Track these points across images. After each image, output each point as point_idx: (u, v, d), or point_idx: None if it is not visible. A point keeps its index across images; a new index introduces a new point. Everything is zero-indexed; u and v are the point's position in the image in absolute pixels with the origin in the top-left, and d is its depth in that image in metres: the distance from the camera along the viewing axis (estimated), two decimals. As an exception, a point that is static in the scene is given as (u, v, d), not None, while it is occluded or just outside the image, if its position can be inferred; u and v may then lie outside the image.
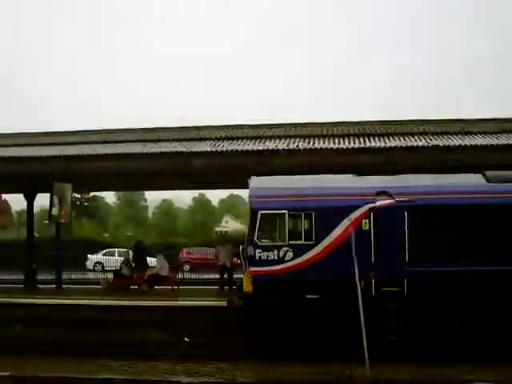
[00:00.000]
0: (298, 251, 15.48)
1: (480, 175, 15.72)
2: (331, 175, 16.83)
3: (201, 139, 23.08)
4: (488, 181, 15.45)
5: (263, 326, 15.62)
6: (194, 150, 21.41)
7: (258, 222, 15.84)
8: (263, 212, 15.87)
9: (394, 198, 15.09)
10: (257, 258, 15.68)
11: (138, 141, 23.61)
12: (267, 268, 15.59)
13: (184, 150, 21.41)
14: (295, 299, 15.40)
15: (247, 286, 15.98)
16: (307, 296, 15.51)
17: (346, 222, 14.75)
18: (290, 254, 15.52)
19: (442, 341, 13.88)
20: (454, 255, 14.43)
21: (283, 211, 15.71)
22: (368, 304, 13.77)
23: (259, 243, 15.77)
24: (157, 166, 20.95)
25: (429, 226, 14.73)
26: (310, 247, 15.42)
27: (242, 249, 16.69)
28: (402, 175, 16.22)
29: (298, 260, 15.44)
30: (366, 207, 15.09)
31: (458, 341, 13.97)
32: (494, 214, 14.49)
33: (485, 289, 14.08)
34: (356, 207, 15.14)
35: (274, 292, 15.53)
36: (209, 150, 21.28)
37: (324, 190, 15.88)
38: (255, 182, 16.51)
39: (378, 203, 15.15)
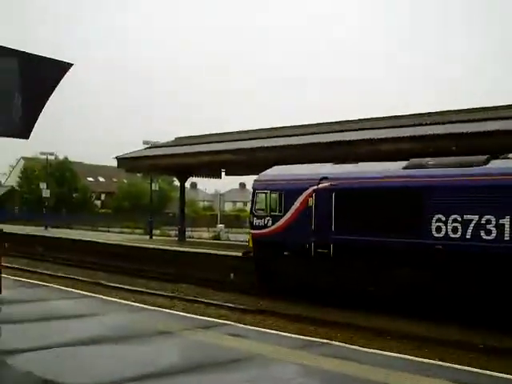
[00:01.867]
0: (275, 220, 20.44)
1: (405, 162, 18.39)
2: (305, 164, 21.31)
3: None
4: (405, 167, 18.07)
5: (261, 270, 21.21)
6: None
7: (254, 198, 21.78)
8: (257, 191, 21.61)
9: (328, 183, 19.13)
10: (254, 223, 21.29)
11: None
12: (259, 231, 20.97)
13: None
14: (275, 254, 20.37)
15: (250, 243, 21.79)
16: (284, 253, 20.09)
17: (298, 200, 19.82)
18: (270, 222, 20.58)
19: (358, 291, 18.19)
20: (364, 228, 18.07)
21: (266, 191, 20.96)
22: (310, 260, 19.20)
23: (255, 213, 21.42)
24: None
25: (346, 205, 18.65)
26: (281, 217, 20.26)
27: (249, 217, 23.09)
28: (349, 163, 20.03)
29: (274, 226, 20.43)
30: (311, 189, 19.42)
31: (370, 292, 17.93)
32: (394, 196, 17.64)
33: (386, 254, 17.53)
34: (306, 189, 19.56)
35: (263, 248, 20.86)
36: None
37: (290, 176, 20.70)
38: (269, 170, 22.04)
39: (318, 186, 19.29)
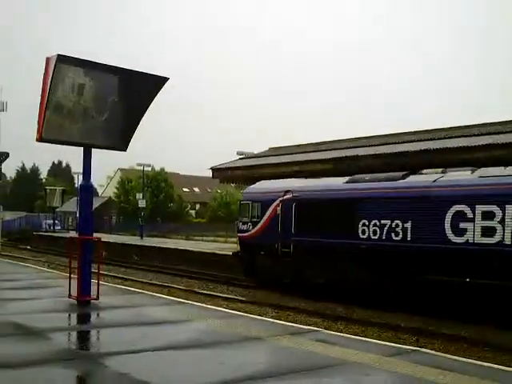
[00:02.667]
0: (254, 225, 24.69)
1: (348, 178, 22.21)
2: (280, 179, 26.32)
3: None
4: (346, 182, 21.95)
5: (246, 266, 25.50)
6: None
7: (240, 207, 26.69)
8: (242, 201, 26.48)
9: (291, 195, 23.21)
10: (240, 228, 25.79)
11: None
12: (243, 234, 25.44)
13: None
14: (255, 253, 24.62)
15: (238, 245, 26.60)
16: (261, 252, 24.32)
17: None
18: (251, 227, 24.84)
19: (313, 283, 21.92)
20: (316, 231, 21.87)
21: (249, 201, 25.37)
22: (278, 257, 23.22)
23: (241, 220, 25.79)
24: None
25: (303, 213, 22.58)
26: (258, 223, 24.47)
27: (236, 223, 28.23)
28: (309, 178, 24.76)
29: (254, 230, 24.70)
30: (279, 200, 23.60)
31: (324, 285, 21.51)
32: (337, 205, 21.36)
33: (332, 252, 21.25)
34: (275, 200, 23.74)
35: (247, 248, 25.29)
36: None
37: (266, 189, 25.08)
38: (255, 184, 27.12)
39: (284, 197, 23.43)
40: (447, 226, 17.84)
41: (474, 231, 17.23)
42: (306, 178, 25.06)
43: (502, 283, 16.54)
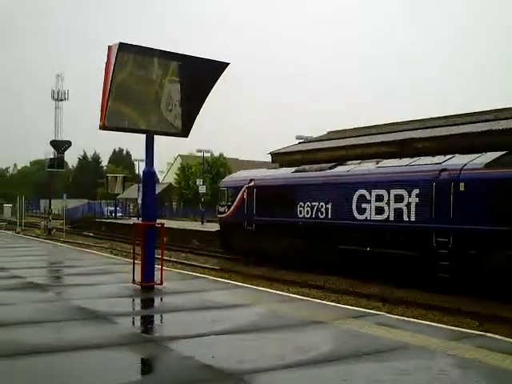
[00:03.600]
0: (229, 208, 30.01)
1: (294, 168, 27.96)
2: (249, 170, 33.60)
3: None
4: (294, 171, 27.37)
5: (222, 240, 31.48)
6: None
7: (220, 193, 32.02)
8: (221, 188, 32.11)
9: (253, 183, 28.45)
10: (219, 210, 31.40)
11: None
12: (221, 215, 31.10)
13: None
14: (229, 230, 30.41)
15: (219, 225, 32.33)
16: (235, 230, 29.44)
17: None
18: (227, 209, 30.25)
19: (270, 253, 27.09)
20: (271, 212, 26.98)
21: (225, 188, 31.22)
22: (245, 233, 28.49)
23: (220, 203, 31.41)
24: None
25: (262, 197, 27.67)
26: (231, 206, 29.79)
27: (216, 206, 33.99)
28: (272, 169, 31.64)
29: (228, 212, 30.09)
30: (245, 187, 28.82)
31: (277, 253, 26.60)
32: (285, 191, 26.48)
33: (282, 229, 26.33)
34: (243, 186, 28.96)
35: (223, 226, 31.40)
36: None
37: (239, 177, 30.90)
38: (234, 174, 34.89)
39: (248, 184, 28.69)
40: (354, 206, 22.65)
41: (370, 210, 21.95)
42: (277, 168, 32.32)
43: (391, 252, 21.06)
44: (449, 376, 6.90)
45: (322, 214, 24.15)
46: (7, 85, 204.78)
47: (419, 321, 11.26)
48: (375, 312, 11.90)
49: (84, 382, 6.67)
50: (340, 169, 24.68)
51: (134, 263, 14.13)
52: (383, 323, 9.93)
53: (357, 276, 21.70)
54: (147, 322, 10.50)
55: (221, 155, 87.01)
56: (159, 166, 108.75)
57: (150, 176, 13.77)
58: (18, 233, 43.99)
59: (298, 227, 25.41)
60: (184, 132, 13.94)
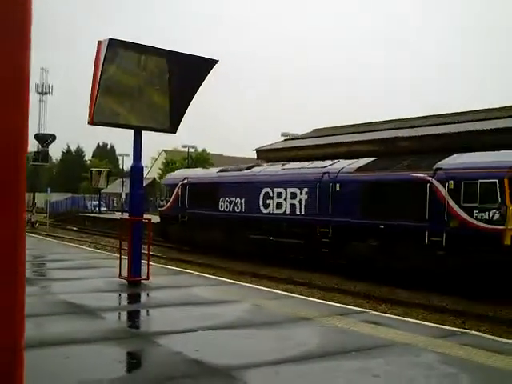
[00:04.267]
0: (167, 202, 33.91)
1: (219, 168, 33.13)
2: (184, 169, 39.63)
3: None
4: (218, 171, 31.62)
5: (161, 231, 33.86)
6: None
7: (160, 190, 37.81)
8: (162, 184, 37.51)
9: (186, 180, 32.34)
10: (160, 204, 35.95)
11: None
12: (161, 209, 35.09)
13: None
14: (167, 222, 33.81)
15: (159, 217, 34.72)
16: (172, 222, 33.12)
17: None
18: (165, 203, 34.17)
19: (201, 242, 30.60)
20: (201, 206, 30.48)
21: (164, 185, 35.77)
22: (179, 224, 32.31)
23: (160, 198, 36.35)
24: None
25: (193, 193, 31.54)
26: (169, 201, 33.64)
27: (157, 201, 40.46)
28: (202, 169, 37.55)
29: (167, 206, 34.00)
30: (180, 184, 32.61)
31: (207, 242, 30.07)
32: (210, 188, 30.12)
33: (208, 220, 30.11)
34: (178, 184, 32.79)
35: (162, 219, 34.52)
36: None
37: (175, 176, 35.40)
38: (173, 173, 39.84)
39: (182, 182, 32.48)
40: (261, 202, 26.59)
41: (273, 205, 26.00)
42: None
43: (288, 241, 24.76)
44: (436, 372, 7.00)
45: (237, 208, 28.36)
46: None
47: (404, 318, 11.36)
48: (361, 309, 12.01)
49: (70, 377, 6.66)
50: (254, 170, 29.01)
51: (120, 258, 14.15)
52: (368, 320, 10.03)
53: (265, 261, 25.28)
54: (135, 317, 10.55)
55: (203, 151, 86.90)
56: (144, 160, 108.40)
57: (137, 171, 13.79)
58: None
59: (220, 219, 29.45)
60: (172, 128, 13.96)
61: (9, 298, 1.77)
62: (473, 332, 9.79)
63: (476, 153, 20.01)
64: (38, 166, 57.65)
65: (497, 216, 17.59)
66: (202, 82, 13.72)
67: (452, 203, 18.68)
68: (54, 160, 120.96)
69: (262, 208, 26.49)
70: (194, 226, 31.25)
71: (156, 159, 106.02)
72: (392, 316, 11.63)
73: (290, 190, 24.98)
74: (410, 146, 27.53)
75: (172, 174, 38.39)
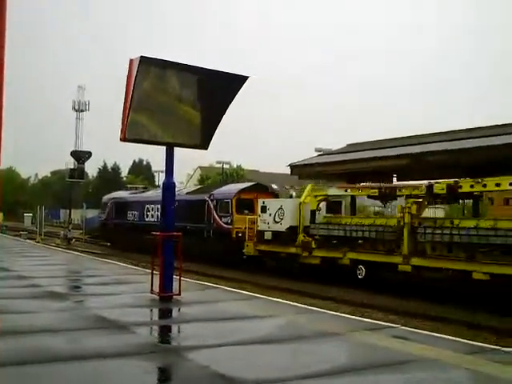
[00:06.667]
0: (103, 214, 49.73)
1: (135, 190, 54.00)
2: (116, 192, 55.11)
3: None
4: (130, 193, 50.38)
5: (103, 235, 50.55)
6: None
7: (101, 205, 53.04)
8: (102, 201, 51.82)
9: (115, 200, 48.69)
10: (99, 216, 52.79)
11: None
12: (100, 219, 51.84)
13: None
14: (105, 228, 49.47)
15: (99, 225, 53.12)
16: (107, 228, 49.30)
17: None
18: (103, 215, 50.00)
19: (125, 245, 42.60)
20: (122, 217, 45.17)
21: (103, 202, 51.13)
22: (110, 229, 48.74)
23: (101, 211, 52.34)
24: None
25: (117, 208, 47.48)
26: (105, 213, 49.34)
27: (98, 213, 55.92)
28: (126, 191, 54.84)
29: (104, 217, 49.75)
30: (110, 202, 48.91)
31: (131, 244, 41.44)
32: (129, 204, 45.73)
33: (129, 227, 43.80)
34: (108, 202, 49.31)
35: (103, 227, 50.37)
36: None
37: (108, 196, 51.41)
38: (113, 193, 54.25)
39: (111, 200, 48.80)
40: (145, 213, 41.65)
41: (150, 216, 40.89)
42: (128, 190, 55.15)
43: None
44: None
45: (136, 218, 43.51)
46: (34, 93, 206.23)
47: (435, 334, 11.27)
48: (390, 324, 11.95)
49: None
50: (145, 193, 47.44)
51: (152, 273, 14.26)
52: (397, 335, 9.99)
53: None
54: (165, 332, 10.63)
55: (238, 167, 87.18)
56: (179, 177, 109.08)
57: (169, 187, 13.89)
58: (37, 242, 44.36)
59: (129, 225, 44.10)
60: (203, 144, 14.07)
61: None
62: (505, 349, 9.68)
63: (229, 185, 38.85)
64: (74, 183, 58.19)
65: (229, 220, 32.46)
66: (233, 99, 13.81)
67: (215, 213, 33.87)
68: (90, 177, 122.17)
69: (145, 217, 41.69)
70: (117, 230, 46.20)
71: (192, 175, 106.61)
72: (423, 331, 11.54)
73: (155, 205, 39.30)
74: (441, 160, 26.98)
75: (107, 195, 52.63)
